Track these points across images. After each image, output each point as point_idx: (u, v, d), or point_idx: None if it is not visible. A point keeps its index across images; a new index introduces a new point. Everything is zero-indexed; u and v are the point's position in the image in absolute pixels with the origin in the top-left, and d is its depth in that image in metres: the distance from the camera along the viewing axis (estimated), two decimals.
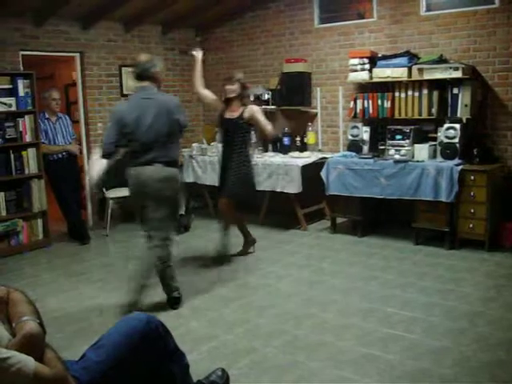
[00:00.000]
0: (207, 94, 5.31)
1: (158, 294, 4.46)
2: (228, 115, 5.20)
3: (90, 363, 2.15)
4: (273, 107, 7.18)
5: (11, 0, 5.62)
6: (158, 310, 4.06)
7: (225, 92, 5.20)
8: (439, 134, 5.61)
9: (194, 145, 7.41)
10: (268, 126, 5.19)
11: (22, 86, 5.84)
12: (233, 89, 5.13)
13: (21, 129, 5.88)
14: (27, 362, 1.70)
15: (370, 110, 6.20)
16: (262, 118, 5.18)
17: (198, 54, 5.24)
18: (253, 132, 5.96)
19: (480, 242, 5.32)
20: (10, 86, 5.79)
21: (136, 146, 4.12)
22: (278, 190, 6.36)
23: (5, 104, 5.74)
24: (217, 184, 5.53)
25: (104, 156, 4.19)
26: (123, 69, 7.27)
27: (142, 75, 4.16)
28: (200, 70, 5.24)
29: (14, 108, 5.81)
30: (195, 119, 8.28)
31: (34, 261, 5.73)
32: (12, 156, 5.83)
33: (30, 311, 1.91)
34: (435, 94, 5.73)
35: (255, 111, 5.16)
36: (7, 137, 5.79)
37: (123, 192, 6.85)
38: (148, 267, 4.19)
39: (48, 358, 1.81)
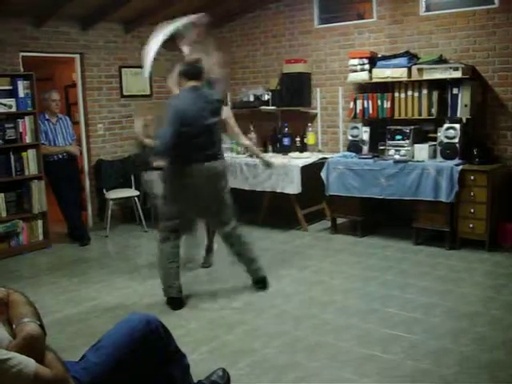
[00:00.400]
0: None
1: (158, 295, 4.46)
2: None
3: (90, 364, 2.15)
4: (273, 108, 7.18)
5: (11, 1, 5.62)
6: (158, 311, 4.06)
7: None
8: (439, 134, 5.61)
9: None
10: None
11: (21, 87, 5.84)
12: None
13: (21, 130, 5.89)
14: (28, 363, 1.70)
15: (370, 111, 6.20)
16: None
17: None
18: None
19: (480, 242, 5.32)
20: (10, 87, 5.79)
21: (194, 143, 4.16)
22: (278, 190, 6.36)
23: (5, 105, 5.74)
24: None
25: (160, 153, 4.22)
26: (123, 70, 7.27)
27: (196, 74, 4.29)
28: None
29: (13, 109, 5.82)
30: None
31: (34, 262, 5.73)
32: (12, 157, 5.83)
33: (31, 313, 1.91)
34: (435, 94, 5.73)
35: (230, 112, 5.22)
36: (7, 138, 5.79)
37: (123, 193, 6.90)
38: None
39: (48, 359, 1.81)
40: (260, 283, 4.59)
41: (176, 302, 4.31)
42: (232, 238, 4.47)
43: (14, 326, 1.85)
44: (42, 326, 1.90)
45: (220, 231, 4.55)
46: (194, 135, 4.14)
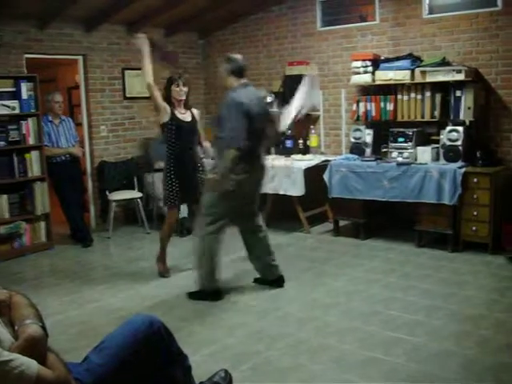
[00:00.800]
0: (158, 95, 4.87)
1: (161, 296, 4.46)
2: (181, 117, 4.96)
3: (92, 365, 2.15)
4: (276, 110, 7.15)
5: (15, 3, 5.64)
6: (161, 312, 4.05)
7: (177, 93, 4.94)
8: (442, 137, 5.60)
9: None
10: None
11: (25, 89, 5.85)
12: (185, 90, 5.00)
13: (24, 131, 5.89)
14: (30, 364, 1.70)
15: (373, 113, 6.19)
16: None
17: (140, 39, 4.83)
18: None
19: (483, 244, 5.31)
20: (14, 89, 5.79)
21: (255, 141, 4.29)
22: (281, 192, 6.36)
23: (8, 107, 5.75)
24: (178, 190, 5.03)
25: (240, 149, 4.16)
26: (126, 72, 7.28)
27: (244, 71, 4.42)
28: (148, 58, 4.80)
29: (17, 111, 5.82)
30: None
31: (37, 263, 5.74)
32: (15, 159, 5.84)
33: (33, 314, 1.91)
34: (438, 96, 5.72)
35: (199, 114, 5.25)
36: (10, 139, 5.80)
37: (126, 195, 6.90)
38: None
39: (50, 360, 1.81)
40: (276, 282, 4.68)
41: (218, 293, 4.46)
42: (256, 234, 4.62)
43: (15, 328, 1.85)
44: (43, 327, 1.90)
45: (247, 226, 4.63)
46: (256, 130, 4.27)
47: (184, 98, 4.99)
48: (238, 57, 4.45)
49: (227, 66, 4.35)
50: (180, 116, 4.95)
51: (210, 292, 4.45)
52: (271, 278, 4.68)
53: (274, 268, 4.68)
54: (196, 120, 5.10)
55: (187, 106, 5.07)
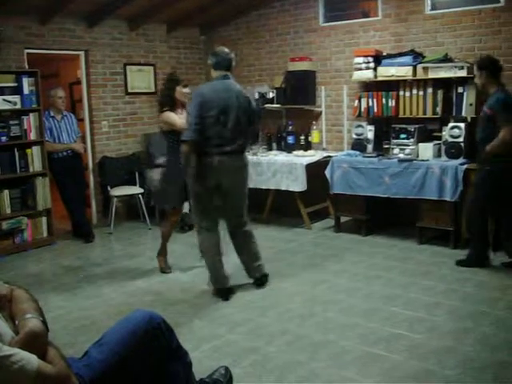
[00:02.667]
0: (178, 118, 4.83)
1: (161, 292, 4.46)
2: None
3: (92, 360, 2.15)
4: (277, 106, 7.17)
5: None
6: (162, 308, 4.05)
7: (182, 95, 4.92)
8: (444, 133, 5.60)
9: None
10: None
11: (26, 84, 5.85)
12: (189, 92, 4.99)
13: (25, 127, 5.90)
14: (30, 359, 1.70)
15: (375, 109, 6.18)
16: None
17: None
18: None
19: None
20: (15, 84, 5.79)
21: (218, 135, 4.22)
22: (283, 188, 6.36)
23: (10, 102, 5.75)
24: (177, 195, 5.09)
25: (187, 142, 4.24)
26: (128, 67, 7.27)
27: (225, 64, 4.34)
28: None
29: (18, 106, 5.82)
30: None
31: (38, 258, 5.74)
32: (17, 154, 5.84)
33: (33, 309, 1.91)
34: (440, 92, 5.71)
35: None
36: (12, 135, 5.80)
37: (127, 190, 6.91)
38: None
39: (51, 355, 1.81)
40: (259, 280, 4.62)
41: (224, 292, 4.40)
42: (239, 233, 4.54)
43: (16, 323, 1.86)
44: (44, 322, 1.90)
45: (230, 226, 4.58)
46: (222, 123, 4.22)
47: (186, 100, 4.95)
48: (223, 50, 4.41)
49: (210, 59, 4.40)
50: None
51: (217, 290, 4.44)
52: (254, 278, 4.63)
53: (258, 269, 4.62)
54: None
55: (184, 107, 4.98)
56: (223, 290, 4.42)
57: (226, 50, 4.43)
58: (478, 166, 4.87)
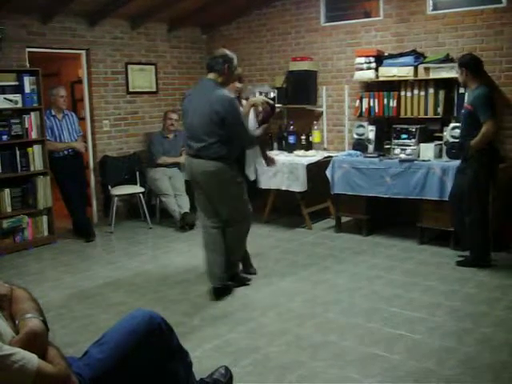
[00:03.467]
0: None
1: (162, 291, 4.46)
2: None
3: (92, 360, 2.15)
4: (279, 105, 7.16)
5: None
6: (162, 308, 4.06)
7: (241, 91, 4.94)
8: (445, 134, 5.59)
9: None
10: None
11: (28, 83, 5.85)
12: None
13: (26, 126, 5.90)
14: (30, 359, 1.70)
15: (376, 109, 6.18)
16: None
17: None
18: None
19: None
20: (17, 83, 5.79)
21: (188, 134, 4.37)
22: (283, 188, 6.35)
23: (11, 101, 5.75)
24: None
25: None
26: (129, 66, 7.27)
27: (208, 66, 4.33)
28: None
29: (19, 105, 5.82)
30: None
31: (39, 257, 5.75)
32: (18, 153, 5.84)
33: (34, 308, 1.91)
34: (441, 93, 5.71)
35: None
36: (13, 133, 5.80)
37: (128, 189, 6.91)
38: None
39: (51, 355, 1.82)
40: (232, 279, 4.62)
41: (214, 290, 4.40)
42: (226, 232, 4.48)
43: (16, 322, 1.86)
44: (44, 321, 1.90)
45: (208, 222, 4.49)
46: (188, 128, 4.37)
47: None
48: (218, 52, 4.39)
49: None
50: None
51: (211, 288, 4.43)
52: (230, 275, 4.61)
53: (232, 268, 4.61)
54: None
55: None
56: (213, 289, 4.40)
57: (222, 52, 4.34)
58: (463, 164, 4.93)
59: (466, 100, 4.87)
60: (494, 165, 4.89)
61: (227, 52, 4.33)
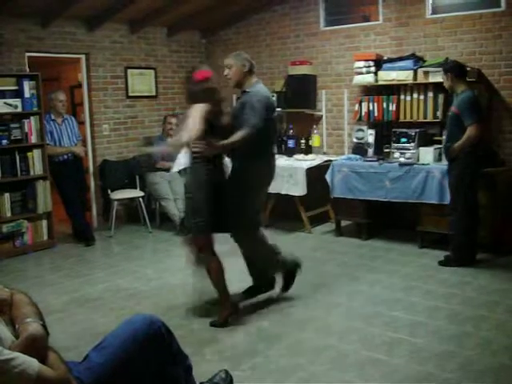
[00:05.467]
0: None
1: (162, 296, 4.45)
2: None
3: (93, 364, 2.15)
4: (278, 110, 7.16)
5: (18, 1, 5.64)
6: (162, 312, 4.05)
7: None
8: (444, 137, 5.59)
9: None
10: None
11: (27, 88, 5.86)
12: None
13: (26, 130, 5.90)
14: (31, 363, 1.70)
15: (375, 113, 6.19)
16: None
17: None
18: None
19: (485, 245, 5.29)
20: (16, 88, 5.81)
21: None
22: (283, 192, 6.34)
23: (10, 105, 5.76)
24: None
25: None
26: (129, 70, 7.29)
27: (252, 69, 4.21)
28: None
29: (19, 109, 5.83)
30: None
31: (39, 262, 5.75)
32: (17, 157, 5.85)
33: (34, 313, 1.91)
34: (440, 96, 5.71)
35: None
36: (13, 138, 5.81)
37: (128, 194, 6.91)
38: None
39: (51, 359, 1.81)
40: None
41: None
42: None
43: (17, 326, 1.86)
44: (44, 326, 1.90)
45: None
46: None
47: None
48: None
49: (244, 61, 4.22)
50: None
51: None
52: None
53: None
54: None
55: None
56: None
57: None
58: (448, 166, 5.08)
59: (453, 103, 4.98)
60: (479, 166, 4.99)
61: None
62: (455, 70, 4.96)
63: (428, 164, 5.54)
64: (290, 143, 7.04)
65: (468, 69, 5.42)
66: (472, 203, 4.95)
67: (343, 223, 6.37)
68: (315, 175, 6.24)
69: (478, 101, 4.98)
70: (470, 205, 4.93)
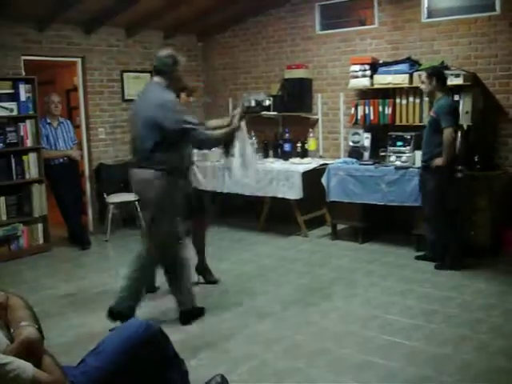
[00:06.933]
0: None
1: (158, 300, 4.44)
2: None
3: (88, 368, 2.14)
4: (274, 113, 7.18)
5: (14, 5, 5.63)
6: (158, 316, 4.04)
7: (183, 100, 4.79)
8: (423, 141, 5.60)
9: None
10: None
11: (23, 91, 5.85)
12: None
13: (22, 133, 5.89)
14: (25, 367, 1.69)
15: (371, 117, 6.20)
16: None
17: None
18: None
19: (481, 248, 5.30)
20: (12, 91, 5.79)
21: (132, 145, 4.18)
22: (279, 196, 6.34)
23: (6, 109, 5.75)
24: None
25: None
26: (125, 74, 7.28)
27: (155, 69, 4.02)
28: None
29: (15, 113, 5.82)
30: None
31: (34, 265, 5.72)
32: (13, 161, 5.83)
33: (29, 316, 1.90)
34: None
35: None
36: (8, 141, 5.79)
37: (124, 197, 6.89)
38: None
39: (46, 363, 1.81)
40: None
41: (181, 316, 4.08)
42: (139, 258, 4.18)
43: (12, 330, 1.85)
44: (40, 329, 1.89)
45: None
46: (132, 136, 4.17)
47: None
48: (162, 53, 4.03)
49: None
50: None
51: None
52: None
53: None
54: None
55: None
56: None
57: (166, 52, 4.00)
58: (423, 173, 5.18)
59: (432, 108, 5.11)
60: (454, 172, 5.05)
61: (170, 52, 3.99)
62: (441, 75, 5.05)
63: None
64: (286, 147, 7.04)
65: (463, 73, 5.46)
66: (453, 206, 5.01)
67: (339, 227, 6.37)
68: (311, 179, 6.23)
69: (455, 106, 5.12)
70: (452, 208, 5.00)
